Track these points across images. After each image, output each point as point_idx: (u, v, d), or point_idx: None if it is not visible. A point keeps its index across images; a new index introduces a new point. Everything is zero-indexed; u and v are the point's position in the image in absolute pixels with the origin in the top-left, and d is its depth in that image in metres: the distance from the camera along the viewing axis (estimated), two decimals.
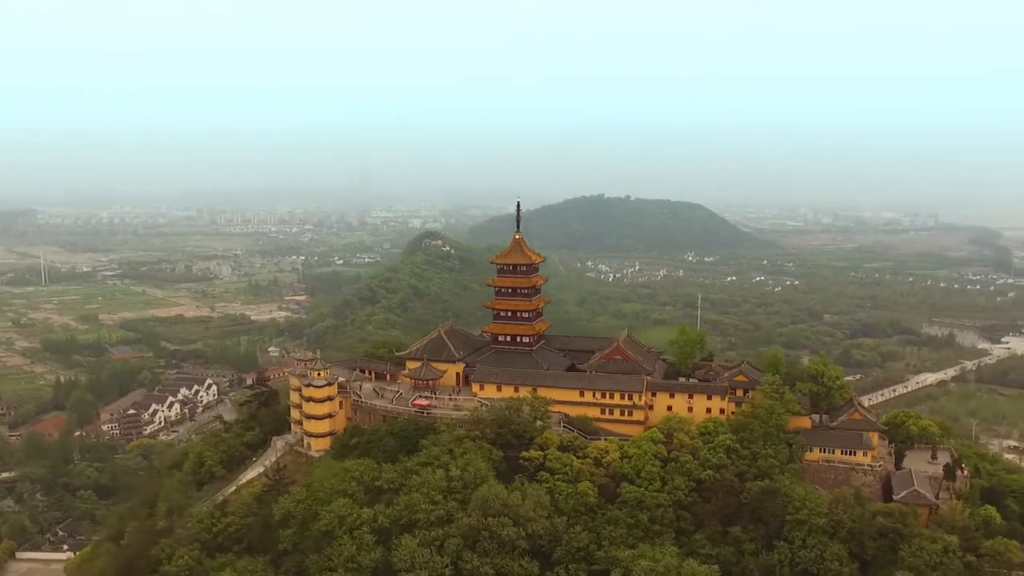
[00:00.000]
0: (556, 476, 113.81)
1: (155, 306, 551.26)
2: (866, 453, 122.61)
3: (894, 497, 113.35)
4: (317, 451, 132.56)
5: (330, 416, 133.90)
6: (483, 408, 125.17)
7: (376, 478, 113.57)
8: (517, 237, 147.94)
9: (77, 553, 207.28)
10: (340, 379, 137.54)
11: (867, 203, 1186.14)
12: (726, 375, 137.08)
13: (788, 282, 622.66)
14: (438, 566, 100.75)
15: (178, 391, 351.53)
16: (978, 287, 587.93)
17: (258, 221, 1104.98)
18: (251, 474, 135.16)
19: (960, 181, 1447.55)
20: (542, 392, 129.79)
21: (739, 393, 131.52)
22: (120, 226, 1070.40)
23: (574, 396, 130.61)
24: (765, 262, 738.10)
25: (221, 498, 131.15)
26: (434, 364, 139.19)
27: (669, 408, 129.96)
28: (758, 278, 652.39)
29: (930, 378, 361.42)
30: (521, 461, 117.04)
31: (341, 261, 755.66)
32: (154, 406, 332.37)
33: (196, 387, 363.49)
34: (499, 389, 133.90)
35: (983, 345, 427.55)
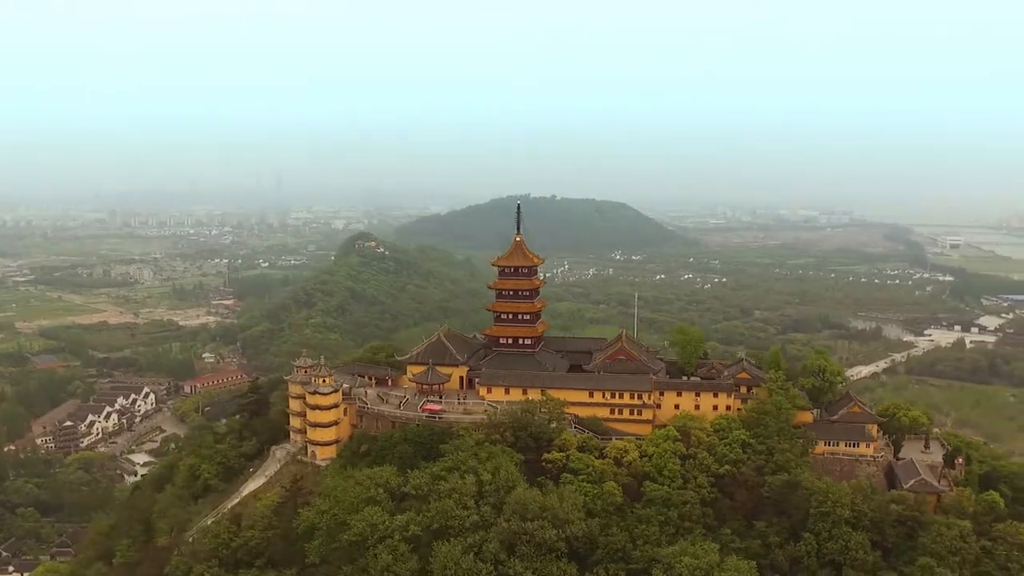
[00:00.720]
0: (580, 477, 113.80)
1: (75, 313, 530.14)
2: (868, 445, 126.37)
3: (904, 486, 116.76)
4: (323, 460, 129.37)
5: (335, 423, 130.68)
6: (498, 411, 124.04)
7: (402, 485, 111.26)
8: (518, 239, 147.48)
9: (27, 574, 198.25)
10: (344, 385, 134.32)
11: (784, 201, 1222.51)
12: (726, 373, 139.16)
13: (716, 279, 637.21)
14: (480, 572, 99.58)
15: (114, 401, 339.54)
16: (897, 282, 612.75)
17: (174, 223, 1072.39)
18: (253, 485, 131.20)
19: (882, 179, 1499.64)
20: (551, 394, 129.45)
21: (743, 390, 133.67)
22: (27, 229, 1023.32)
23: (583, 397, 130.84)
24: (691, 260, 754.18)
25: (222, 512, 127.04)
26: (438, 368, 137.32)
27: (676, 407, 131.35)
28: (686, 276, 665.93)
29: (863, 371, 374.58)
30: (543, 463, 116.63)
31: (266, 264, 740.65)
32: (91, 417, 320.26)
33: (133, 396, 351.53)
34: (507, 392, 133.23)
35: (908, 338, 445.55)
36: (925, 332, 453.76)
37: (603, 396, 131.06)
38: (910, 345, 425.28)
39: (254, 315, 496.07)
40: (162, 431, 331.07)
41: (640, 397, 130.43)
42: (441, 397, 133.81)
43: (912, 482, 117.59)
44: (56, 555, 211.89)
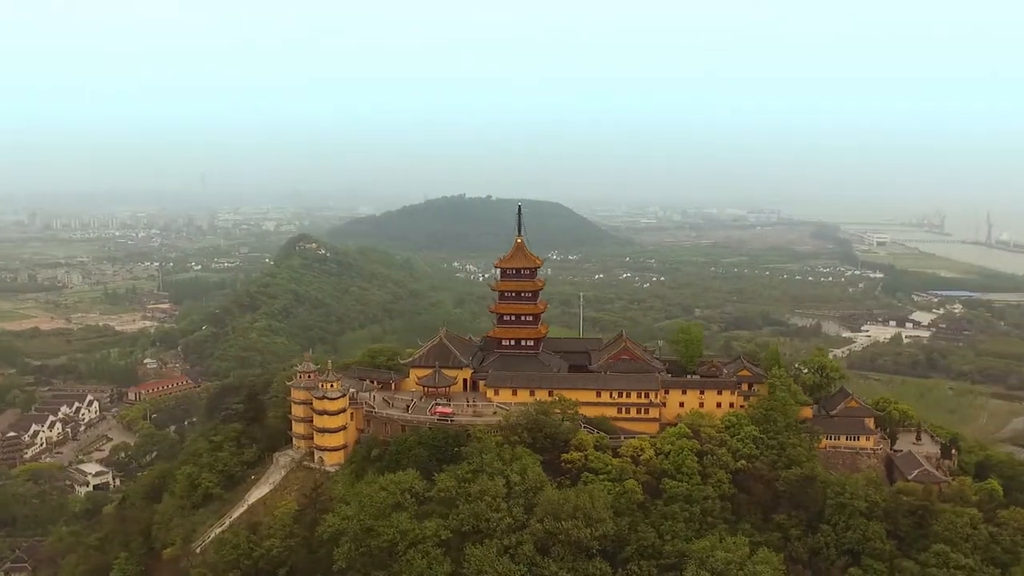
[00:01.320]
0: (600, 476, 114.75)
1: (3, 319, 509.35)
2: (868, 438, 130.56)
3: (908, 477, 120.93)
4: (332, 465, 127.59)
5: (343, 429, 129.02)
6: (512, 413, 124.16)
7: (427, 489, 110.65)
8: (519, 241, 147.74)
9: None
10: (351, 390, 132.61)
11: (715, 200, 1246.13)
12: (725, 371, 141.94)
13: (655, 278, 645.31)
14: (515, 574, 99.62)
15: (57, 409, 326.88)
16: (830, 279, 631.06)
17: (98, 225, 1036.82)
18: (258, 493, 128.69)
19: (811, 178, 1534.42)
20: (558, 394, 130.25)
21: (744, 387, 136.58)
22: None
23: (591, 397, 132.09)
24: (628, 259, 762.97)
25: (228, 521, 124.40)
26: (443, 371, 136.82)
27: (681, 404, 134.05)
28: (625, 275, 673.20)
29: (805, 368, 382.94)
30: (562, 464, 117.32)
31: (199, 267, 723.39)
32: (34, 427, 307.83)
33: (76, 404, 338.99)
34: (514, 393, 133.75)
35: (847, 334, 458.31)
36: (862, 328, 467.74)
37: (611, 396, 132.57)
38: (849, 341, 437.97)
39: (193, 319, 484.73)
40: (109, 439, 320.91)
41: (647, 396, 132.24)
42: (448, 400, 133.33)
43: (916, 473, 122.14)
44: (11, 571, 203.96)
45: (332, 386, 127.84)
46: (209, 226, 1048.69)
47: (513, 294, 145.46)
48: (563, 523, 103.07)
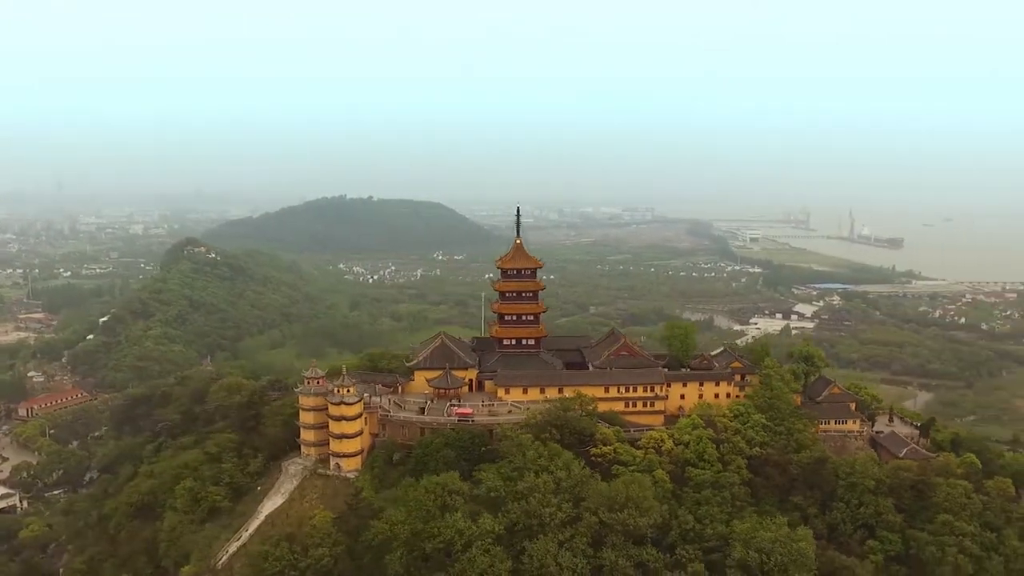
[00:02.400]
0: (630, 468, 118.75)
1: None
2: (855, 422, 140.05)
3: (899, 455, 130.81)
4: (350, 471, 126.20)
5: (360, 434, 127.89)
6: (534, 411, 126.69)
7: (473, 488, 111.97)
8: (518, 242, 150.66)
9: None
10: (365, 395, 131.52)
11: (588, 199, 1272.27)
12: (716, 364, 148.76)
13: (544, 277, 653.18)
14: (579, 567, 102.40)
15: None
16: (712, 274, 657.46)
17: None
18: (271, 503, 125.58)
19: (685, 177, 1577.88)
20: (568, 391, 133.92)
21: (737, 378, 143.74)
22: None
23: (599, 392, 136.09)
24: None
25: (246, 533, 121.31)
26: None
27: (682, 396, 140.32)
28: None
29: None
30: (591, 457, 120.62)
31: (68, 273, 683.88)
32: None
33: None
34: (525, 392, 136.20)
35: (737, 327, 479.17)
36: (751, 321, 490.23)
37: (618, 391, 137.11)
38: (741, 334, 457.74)
39: (76, 329, 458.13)
40: (4, 459, 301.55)
41: (653, 390, 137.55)
42: (460, 400, 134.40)
43: (905, 451, 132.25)
44: None
45: (349, 391, 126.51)
46: (71, 230, 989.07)
47: (514, 294, 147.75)
48: (618, 514, 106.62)
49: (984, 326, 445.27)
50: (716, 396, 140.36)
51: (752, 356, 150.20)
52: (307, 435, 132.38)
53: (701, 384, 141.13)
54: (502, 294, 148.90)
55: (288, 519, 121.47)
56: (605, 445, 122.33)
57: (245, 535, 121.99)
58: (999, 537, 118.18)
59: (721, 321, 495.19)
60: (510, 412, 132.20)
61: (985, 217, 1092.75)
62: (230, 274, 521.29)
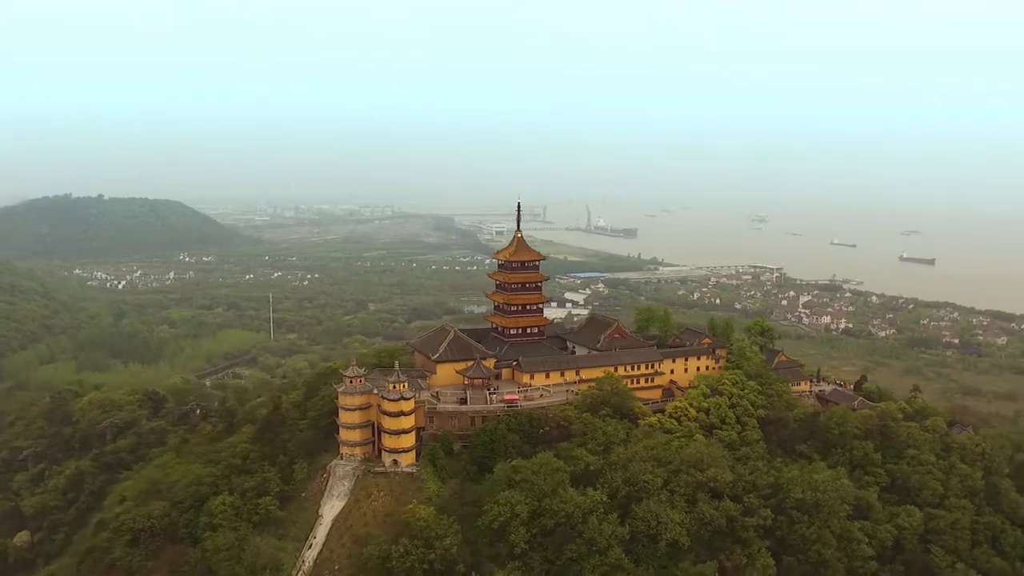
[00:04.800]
0: (675, 435, 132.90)
1: None
2: (806, 383, 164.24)
3: (853, 407, 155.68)
4: (408, 466, 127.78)
5: (415, 428, 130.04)
6: (583, 393, 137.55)
7: (576, 462, 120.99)
8: (519, 235, 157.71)
9: None
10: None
11: (322, 197, 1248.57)
12: (688, 342, 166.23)
13: (310, 276, 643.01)
14: (687, 523, 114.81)
15: None
16: (474, 268, 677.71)
17: None
18: (331, 507, 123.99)
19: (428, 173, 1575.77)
20: (585, 373, 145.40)
21: (712, 352, 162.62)
22: None
23: (611, 372, 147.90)
24: (267, 257, 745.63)
25: (318, 540, 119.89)
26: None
27: (671, 371, 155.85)
28: (276, 274, 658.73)
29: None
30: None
31: None
32: None
33: None
34: (547, 376, 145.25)
35: None
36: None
37: (625, 369, 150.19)
38: None
39: None
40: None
41: (653, 367, 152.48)
42: (492, 388, 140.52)
43: (856, 403, 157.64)
44: None
45: (404, 387, 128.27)
46: None
47: (519, 285, 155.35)
48: (705, 472, 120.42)
49: (738, 305, 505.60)
50: (698, 369, 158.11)
51: (712, 333, 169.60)
52: (351, 435, 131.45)
53: (686, 359, 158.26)
54: (506, 286, 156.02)
55: (365, 518, 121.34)
56: (643, 418, 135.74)
57: (316, 541, 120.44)
58: (948, 463, 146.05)
59: None
60: (541, 396, 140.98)
61: (696, 204, 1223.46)
62: None
